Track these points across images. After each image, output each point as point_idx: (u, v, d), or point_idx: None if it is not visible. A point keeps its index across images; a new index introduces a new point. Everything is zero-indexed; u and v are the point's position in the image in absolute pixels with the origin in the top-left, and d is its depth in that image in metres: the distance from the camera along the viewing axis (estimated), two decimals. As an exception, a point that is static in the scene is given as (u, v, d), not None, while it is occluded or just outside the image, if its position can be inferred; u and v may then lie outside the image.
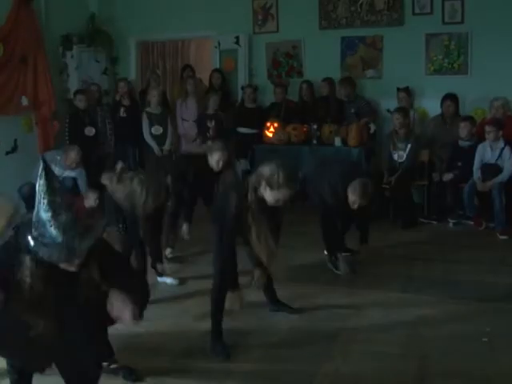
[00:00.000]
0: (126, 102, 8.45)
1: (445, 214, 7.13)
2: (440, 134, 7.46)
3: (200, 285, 5.12)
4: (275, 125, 7.87)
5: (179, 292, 4.99)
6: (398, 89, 7.76)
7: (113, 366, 3.54)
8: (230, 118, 8.52)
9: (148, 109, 8.17)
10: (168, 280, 5.23)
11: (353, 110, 7.84)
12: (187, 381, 3.53)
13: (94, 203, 6.73)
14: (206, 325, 4.25)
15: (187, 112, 8.55)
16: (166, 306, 4.67)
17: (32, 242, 2.60)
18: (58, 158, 7.14)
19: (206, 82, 9.13)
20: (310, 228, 6.11)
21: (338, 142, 7.45)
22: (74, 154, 7.10)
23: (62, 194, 2.63)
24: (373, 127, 7.75)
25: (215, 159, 5.76)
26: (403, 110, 7.25)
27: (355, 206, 5.08)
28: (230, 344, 3.93)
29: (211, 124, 8.16)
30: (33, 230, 2.60)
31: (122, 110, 8.39)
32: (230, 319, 4.28)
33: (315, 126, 7.62)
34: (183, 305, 4.72)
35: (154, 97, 8.10)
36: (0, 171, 7.34)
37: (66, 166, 7.12)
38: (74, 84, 8.56)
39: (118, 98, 8.56)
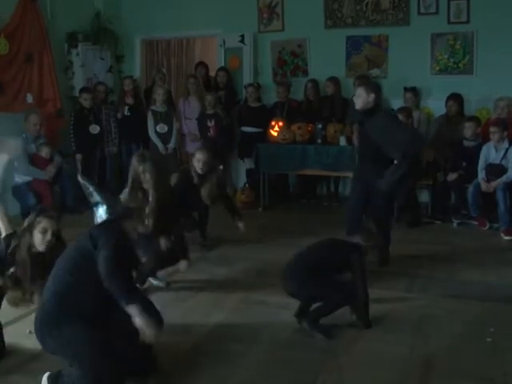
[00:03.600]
0: (130, 100, 8.47)
1: (449, 214, 7.14)
2: (445, 133, 7.45)
3: (205, 284, 5.15)
4: (280, 124, 7.86)
5: (184, 291, 5.00)
6: (405, 89, 7.75)
7: None
8: (234, 116, 8.56)
9: (153, 107, 8.19)
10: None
11: None
12: (192, 380, 3.54)
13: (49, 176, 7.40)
14: (211, 324, 4.28)
15: (190, 110, 8.58)
16: (172, 304, 4.68)
17: None
18: (24, 135, 7.39)
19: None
20: (317, 227, 6.13)
21: (342, 141, 7.45)
22: (34, 117, 7.45)
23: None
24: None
25: (197, 159, 5.85)
26: (406, 110, 7.23)
27: None
28: (230, 344, 3.97)
29: (211, 123, 8.19)
30: None
31: (126, 108, 8.41)
32: (232, 319, 4.32)
33: (320, 126, 7.61)
34: (188, 304, 4.73)
35: (159, 95, 8.12)
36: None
37: (33, 134, 7.46)
38: (79, 82, 8.57)
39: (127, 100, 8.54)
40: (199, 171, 5.83)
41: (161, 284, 5.11)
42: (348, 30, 8.30)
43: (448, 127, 7.47)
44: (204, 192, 5.79)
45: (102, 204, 3.46)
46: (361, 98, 5.25)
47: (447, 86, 7.60)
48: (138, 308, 3.09)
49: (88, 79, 8.77)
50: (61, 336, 3.13)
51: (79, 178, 3.75)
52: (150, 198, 4.59)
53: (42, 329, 3.20)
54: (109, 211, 3.41)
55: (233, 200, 6.35)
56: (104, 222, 3.38)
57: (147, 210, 4.30)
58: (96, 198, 3.51)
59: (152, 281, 5.12)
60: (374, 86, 5.40)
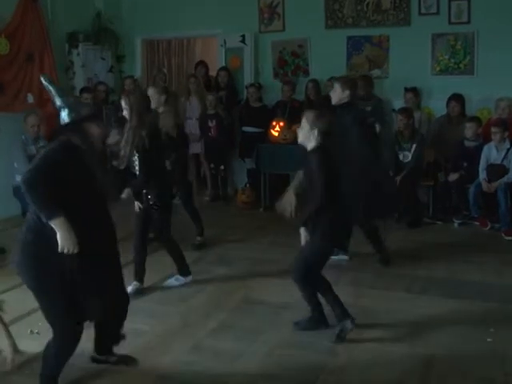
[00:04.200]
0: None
1: (450, 215, 7.13)
2: (446, 134, 7.44)
3: (206, 284, 5.15)
4: (281, 124, 7.86)
5: (185, 291, 5.00)
6: (406, 89, 7.74)
7: (112, 359, 3.57)
8: (235, 116, 8.56)
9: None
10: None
11: (369, 109, 7.83)
12: (192, 380, 3.54)
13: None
14: (212, 324, 4.27)
15: (191, 110, 8.57)
16: (172, 304, 4.68)
17: None
18: (23, 137, 7.29)
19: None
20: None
21: (343, 141, 7.44)
22: (32, 118, 7.30)
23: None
24: (378, 127, 7.73)
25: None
26: (407, 111, 7.24)
27: None
28: (230, 344, 3.98)
29: (212, 124, 8.19)
30: None
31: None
32: (232, 318, 4.32)
33: (321, 126, 7.59)
34: (189, 304, 4.73)
35: (160, 95, 8.11)
36: (5, 168, 7.35)
37: (31, 136, 7.30)
38: (79, 82, 8.56)
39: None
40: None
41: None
42: (349, 31, 8.28)
43: (449, 127, 7.47)
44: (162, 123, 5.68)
45: (64, 108, 3.21)
46: (336, 93, 5.44)
47: (448, 87, 7.58)
48: (60, 222, 3.05)
49: (89, 79, 8.76)
50: (38, 278, 3.17)
51: (41, 79, 3.45)
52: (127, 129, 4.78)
53: (22, 259, 3.21)
54: (71, 115, 3.19)
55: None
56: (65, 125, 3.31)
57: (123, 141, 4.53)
58: (58, 101, 3.26)
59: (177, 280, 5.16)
60: (350, 84, 5.53)
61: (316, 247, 4.05)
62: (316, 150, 4.04)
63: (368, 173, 5.30)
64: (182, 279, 5.15)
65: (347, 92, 5.38)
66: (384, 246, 5.66)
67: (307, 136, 4.08)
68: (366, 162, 5.31)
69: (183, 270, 5.16)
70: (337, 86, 5.45)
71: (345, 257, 5.69)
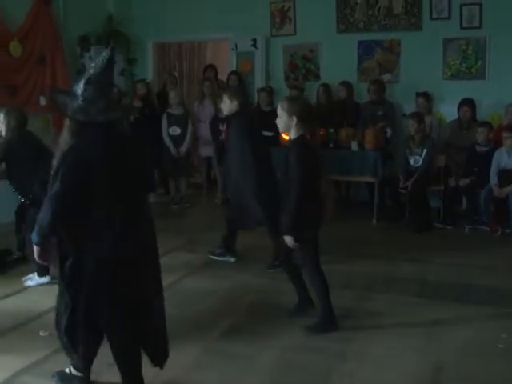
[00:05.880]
0: (139, 103, 8.46)
1: (460, 219, 7.11)
2: (457, 138, 7.44)
3: (215, 288, 5.15)
4: (292, 128, 7.84)
5: (195, 294, 5.00)
6: (417, 94, 7.74)
7: None
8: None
9: (169, 110, 8.21)
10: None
11: (380, 113, 7.83)
12: (202, 380, 3.55)
13: None
14: (222, 327, 4.27)
15: (204, 114, 8.59)
16: (184, 307, 4.68)
17: None
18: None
19: (223, 84, 9.16)
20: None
21: (354, 145, 7.44)
22: None
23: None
24: (389, 131, 7.75)
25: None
26: (418, 116, 7.24)
27: None
28: (242, 347, 3.97)
29: (223, 127, 8.20)
30: None
31: (137, 110, 8.41)
32: (242, 322, 4.33)
33: (332, 130, 7.61)
34: (199, 307, 4.72)
35: (171, 98, 8.14)
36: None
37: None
38: (91, 85, 8.57)
39: (136, 103, 8.53)
40: None
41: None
42: (360, 35, 8.30)
43: (460, 132, 7.46)
44: None
45: None
46: (226, 105, 5.69)
47: (459, 91, 7.58)
48: None
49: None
50: None
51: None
52: None
53: None
54: None
55: None
56: None
57: None
58: None
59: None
60: (237, 94, 5.73)
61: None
62: (296, 140, 4.05)
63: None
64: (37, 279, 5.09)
65: (235, 102, 5.60)
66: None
67: (288, 124, 4.07)
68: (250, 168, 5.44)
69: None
70: (225, 98, 5.70)
71: (231, 259, 5.85)
